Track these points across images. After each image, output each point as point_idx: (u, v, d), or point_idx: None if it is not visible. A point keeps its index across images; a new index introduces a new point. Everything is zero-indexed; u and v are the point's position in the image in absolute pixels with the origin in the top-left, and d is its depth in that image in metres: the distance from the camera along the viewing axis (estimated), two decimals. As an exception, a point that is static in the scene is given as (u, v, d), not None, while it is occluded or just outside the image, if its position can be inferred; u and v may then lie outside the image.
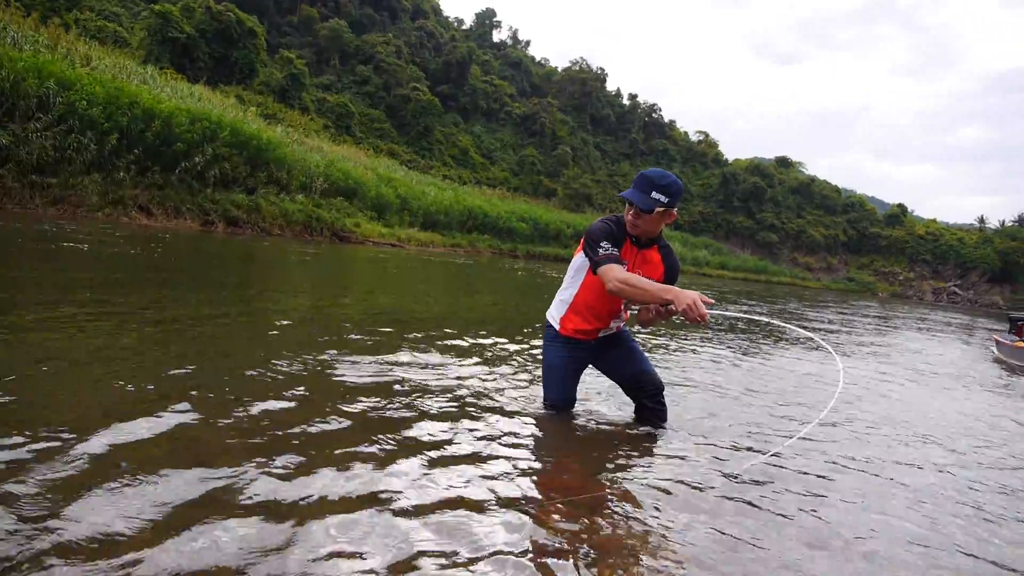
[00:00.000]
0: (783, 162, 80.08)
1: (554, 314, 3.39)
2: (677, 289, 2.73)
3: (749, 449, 3.30)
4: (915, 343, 12.38)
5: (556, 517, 2.17)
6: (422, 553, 1.81)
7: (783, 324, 3.67)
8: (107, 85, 14.57)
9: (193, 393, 2.93)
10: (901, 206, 77.62)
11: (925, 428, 4.51)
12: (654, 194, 2.95)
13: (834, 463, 3.26)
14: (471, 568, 1.77)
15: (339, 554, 1.76)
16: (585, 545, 2.00)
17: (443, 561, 1.78)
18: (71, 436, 2.27)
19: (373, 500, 2.11)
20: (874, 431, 4.16)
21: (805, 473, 3.02)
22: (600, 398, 3.95)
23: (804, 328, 11.09)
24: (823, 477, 2.99)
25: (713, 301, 2.68)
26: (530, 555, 1.87)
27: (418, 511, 2.06)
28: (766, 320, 5.05)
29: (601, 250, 2.94)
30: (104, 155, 13.76)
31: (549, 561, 1.86)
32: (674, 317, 2.94)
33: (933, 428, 4.55)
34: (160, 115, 15.17)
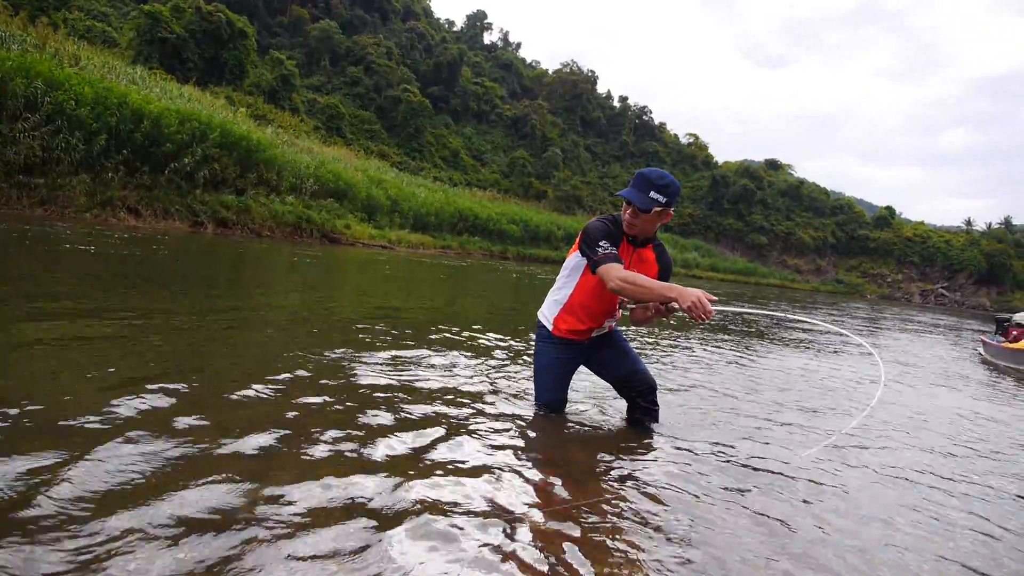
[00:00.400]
0: (772, 164, 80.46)
1: (547, 314, 3.38)
2: (680, 287, 2.71)
3: (741, 451, 3.32)
4: (904, 344, 12.47)
5: (549, 517, 2.18)
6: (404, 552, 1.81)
7: (834, 328, 3.68)
8: (96, 85, 14.49)
9: (188, 381, 2.94)
10: (889, 208, 78.19)
11: (917, 426, 4.55)
12: (652, 194, 2.96)
13: (830, 465, 3.28)
14: (461, 562, 1.77)
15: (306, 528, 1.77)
16: (576, 546, 2.00)
17: (426, 557, 1.79)
18: (70, 416, 2.28)
19: (359, 488, 2.12)
20: (868, 432, 4.19)
21: (799, 473, 3.04)
22: (591, 398, 3.96)
23: (800, 330, 11.14)
24: (818, 480, 3.01)
25: (716, 298, 2.68)
26: (518, 555, 1.88)
27: (400, 508, 2.06)
28: (810, 322, 4.99)
29: (600, 249, 2.94)
30: (92, 155, 13.67)
31: (540, 561, 1.86)
32: (675, 315, 2.95)
33: (925, 427, 4.59)
34: (149, 115, 15.09)
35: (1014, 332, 11.01)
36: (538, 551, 1.91)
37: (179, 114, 16.20)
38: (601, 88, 79.31)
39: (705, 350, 7.15)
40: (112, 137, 14.14)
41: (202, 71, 38.40)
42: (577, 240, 3.13)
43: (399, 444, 2.64)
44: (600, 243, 2.95)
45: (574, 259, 3.21)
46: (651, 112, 79.63)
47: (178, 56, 37.96)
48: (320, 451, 2.43)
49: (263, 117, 31.39)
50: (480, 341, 5.63)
